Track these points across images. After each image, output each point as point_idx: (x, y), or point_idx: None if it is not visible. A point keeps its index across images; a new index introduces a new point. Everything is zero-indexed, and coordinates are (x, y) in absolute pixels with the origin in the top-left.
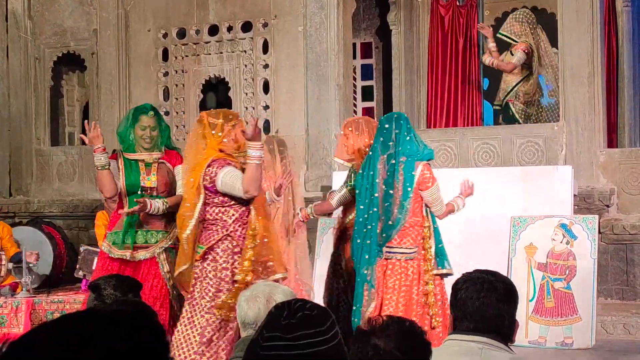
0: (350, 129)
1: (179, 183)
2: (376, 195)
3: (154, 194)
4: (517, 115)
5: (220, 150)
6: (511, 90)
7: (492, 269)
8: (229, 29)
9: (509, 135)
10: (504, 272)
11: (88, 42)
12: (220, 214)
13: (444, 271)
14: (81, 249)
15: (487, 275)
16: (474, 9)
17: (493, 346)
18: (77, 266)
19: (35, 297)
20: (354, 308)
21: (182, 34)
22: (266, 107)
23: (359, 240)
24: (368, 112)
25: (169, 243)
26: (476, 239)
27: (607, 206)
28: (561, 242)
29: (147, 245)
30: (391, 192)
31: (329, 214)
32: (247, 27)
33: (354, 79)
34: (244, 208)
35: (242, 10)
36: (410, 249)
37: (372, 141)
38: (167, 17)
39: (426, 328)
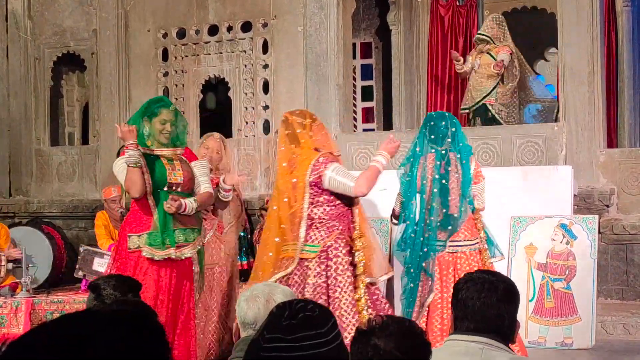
0: None
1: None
2: (434, 190)
3: (179, 190)
4: (497, 116)
5: (315, 149)
6: (491, 91)
7: (490, 269)
8: (229, 29)
9: (508, 135)
10: (503, 272)
11: (88, 42)
12: (327, 213)
13: (498, 259)
14: (81, 249)
15: (488, 276)
16: (473, 9)
17: (493, 346)
18: (77, 266)
19: (34, 297)
20: (407, 300)
21: (181, 34)
22: (266, 107)
23: (413, 235)
24: (368, 112)
25: (202, 241)
26: None
27: (607, 206)
28: (561, 242)
29: (187, 243)
30: (450, 186)
31: None
32: (246, 27)
33: (354, 78)
34: (347, 207)
35: (241, 10)
36: (473, 240)
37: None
38: (167, 17)
39: None
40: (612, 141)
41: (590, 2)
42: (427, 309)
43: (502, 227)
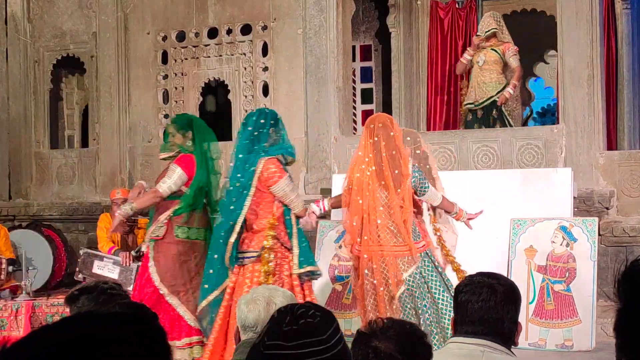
0: None
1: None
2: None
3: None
4: (508, 117)
5: None
6: (503, 89)
7: (492, 271)
8: (229, 31)
9: (508, 138)
10: (503, 275)
11: (87, 45)
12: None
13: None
14: (81, 251)
15: (488, 279)
16: (473, 11)
17: (494, 349)
18: (77, 269)
19: (35, 300)
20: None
21: (181, 36)
22: None
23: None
24: (368, 114)
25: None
26: (476, 241)
27: (607, 208)
28: (561, 245)
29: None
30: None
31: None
32: (246, 29)
33: (354, 81)
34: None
35: (241, 13)
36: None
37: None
38: (167, 20)
39: None
40: (611, 143)
41: (589, 5)
42: None
43: (501, 230)
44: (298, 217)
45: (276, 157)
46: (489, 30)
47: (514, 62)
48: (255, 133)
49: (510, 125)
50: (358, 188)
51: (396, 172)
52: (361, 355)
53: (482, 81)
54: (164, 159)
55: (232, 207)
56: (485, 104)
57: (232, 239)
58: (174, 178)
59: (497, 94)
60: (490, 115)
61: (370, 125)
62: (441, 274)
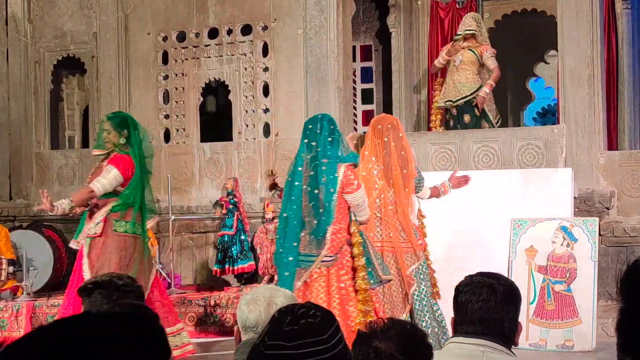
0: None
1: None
2: (292, 198)
3: None
4: (490, 115)
5: None
6: (479, 88)
7: (493, 271)
8: (229, 32)
9: (509, 138)
10: (503, 275)
11: (88, 46)
12: None
13: (375, 286)
14: None
15: (488, 279)
16: (473, 11)
17: (494, 349)
18: None
19: (35, 300)
20: None
21: (181, 37)
22: (266, 110)
23: (281, 250)
24: (368, 114)
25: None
26: (476, 242)
27: (607, 208)
28: (561, 245)
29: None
30: (320, 195)
31: None
32: (246, 30)
33: (354, 81)
34: None
35: (241, 13)
36: (331, 256)
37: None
38: (167, 20)
39: None
40: (612, 143)
41: (590, 5)
42: None
43: (502, 230)
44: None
45: (352, 164)
46: (468, 30)
47: (491, 63)
48: (330, 139)
49: (493, 126)
50: (364, 186)
51: (404, 171)
52: (362, 355)
53: (458, 80)
54: (98, 155)
55: (322, 219)
56: (459, 103)
57: (324, 251)
58: (109, 179)
59: (471, 94)
60: (464, 114)
61: (378, 125)
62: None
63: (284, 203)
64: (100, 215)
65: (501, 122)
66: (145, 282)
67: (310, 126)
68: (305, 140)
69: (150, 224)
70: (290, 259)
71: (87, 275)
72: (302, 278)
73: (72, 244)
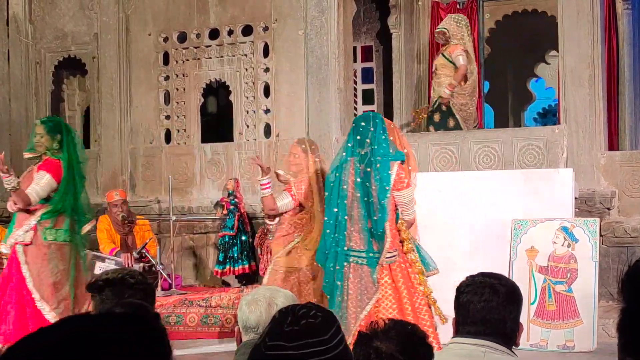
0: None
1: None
2: (357, 195)
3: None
4: (457, 115)
5: None
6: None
7: (493, 272)
8: (230, 32)
9: (509, 138)
10: (504, 275)
11: (89, 46)
12: None
13: (432, 273)
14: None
15: (490, 279)
16: (474, 12)
17: (495, 350)
18: None
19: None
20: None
21: (182, 37)
22: (267, 111)
23: (335, 245)
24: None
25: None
26: (477, 242)
27: (608, 209)
28: (562, 245)
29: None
30: (372, 191)
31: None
32: (247, 30)
33: (355, 82)
34: None
35: (242, 14)
36: (392, 252)
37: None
38: (168, 21)
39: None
40: (613, 144)
41: (590, 5)
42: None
43: (503, 230)
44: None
45: (401, 162)
46: (437, 29)
47: (457, 61)
48: (383, 137)
49: (459, 125)
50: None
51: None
52: (362, 356)
53: (437, 84)
54: (29, 158)
55: (379, 216)
56: (435, 106)
57: (387, 244)
58: (42, 184)
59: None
60: (434, 114)
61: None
62: None
63: (333, 198)
64: (30, 222)
65: (499, 123)
66: (84, 290)
67: (363, 123)
68: (358, 137)
69: (86, 228)
70: (339, 252)
71: (29, 282)
72: (369, 273)
73: (2, 248)
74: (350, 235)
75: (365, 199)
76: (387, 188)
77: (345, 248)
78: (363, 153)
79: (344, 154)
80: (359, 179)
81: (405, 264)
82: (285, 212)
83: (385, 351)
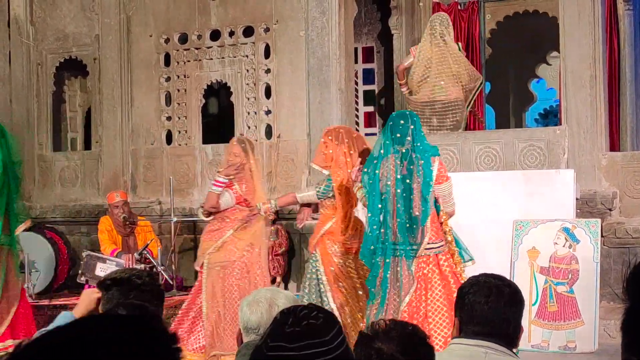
0: (330, 137)
1: None
2: (398, 191)
3: None
4: None
5: None
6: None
7: (495, 273)
8: (231, 33)
9: (511, 139)
10: (506, 276)
11: (90, 48)
12: None
13: (469, 263)
14: (83, 254)
15: (495, 280)
16: (475, 12)
17: (497, 351)
18: (80, 271)
19: (37, 302)
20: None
21: (183, 39)
22: (268, 112)
23: (382, 240)
24: (370, 116)
25: None
26: (478, 243)
27: (610, 210)
28: (564, 246)
29: None
30: (413, 186)
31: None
32: (248, 31)
33: (356, 83)
34: None
35: (243, 15)
36: (437, 243)
37: (351, 151)
38: (169, 22)
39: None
40: (614, 144)
41: (591, 6)
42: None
43: (504, 231)
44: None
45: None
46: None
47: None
48: (423, 133)
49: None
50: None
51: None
52: (364, 356)
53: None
54: None
55: (423, 209)
56: None
57: (427, 239)
58: None
59: None
60: None
61: (352, 135)
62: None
63: (376, 195)
64: None
65: (501, 124)
66: (17, 293)
67: (402, 122)
68: (398, 135)
69: (20, 229)
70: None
71: None
72: (406, 266)
73: None
74: (394, 229)
75: (405, 194)
76: (431, 183)
77: (392, 241)
78: (404, 150)
79: (382, 151)
80: (399, 176)
81: (450, 253)
82: (225, 209)
83: (386, 352)
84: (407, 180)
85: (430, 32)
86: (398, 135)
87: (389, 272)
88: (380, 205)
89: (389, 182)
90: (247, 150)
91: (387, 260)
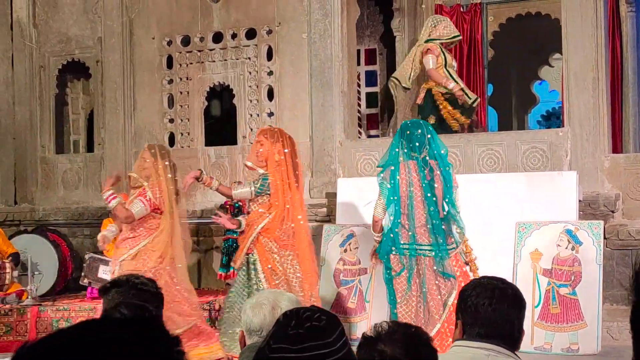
0: (265, 136)
1: None
2: (427, 195)
3: None
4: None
5: None
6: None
7: (497, 275)
8: (233, 36)
9: (513, 141)
10: (509, 278)
11: (93, 50)
12: None
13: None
14: (86, 256)
15: (497, 282)
16: (477, 15)
17: (500, 353)
18: (83, 274)
19: (40, 304)
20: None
21: (186, 41)
22: (270, 114)
23: (407, 241)
24: (372, 118)
25: None
26: (481, 245)
27: (612, 212)
28: (566, 248)
29: None
30: (437, 192)
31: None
32: (251, 34)
33: (358, 85)
34: None
35: (246, 17)
36: (451, 244)
37: (285, 150)
38: (171, 25)
39: None
40: (617, 146)
41: (594, 8)
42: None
43: (507, 233)
44: None
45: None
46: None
47: (424, 64)
48: (438, 140)
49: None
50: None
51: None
52: (367, 359)
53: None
54: None
55: (446, 211)
56: None
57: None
58: None
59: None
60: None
61: (286, 135)
62: None
63: (397, 199)
64: None
65: (503, 126)
66: None
67: (419, 131)
68: (417, 144)
69: None
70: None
71: None
72: (433, 265)
73: None
74: (415, 231)
75: (434, 199)
76: (449, 186)
77: (418, 243)
78: (422, 158)
79: (401, 158)
80: (426, 181)
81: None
82: (141, 217)
83: (389, 354)
84: (436, 185)
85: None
86: (417, 144)
87: (413, 271)
88: (401, 209)
89: (411, 188)
90: (155, 155)
91: (412, 260)
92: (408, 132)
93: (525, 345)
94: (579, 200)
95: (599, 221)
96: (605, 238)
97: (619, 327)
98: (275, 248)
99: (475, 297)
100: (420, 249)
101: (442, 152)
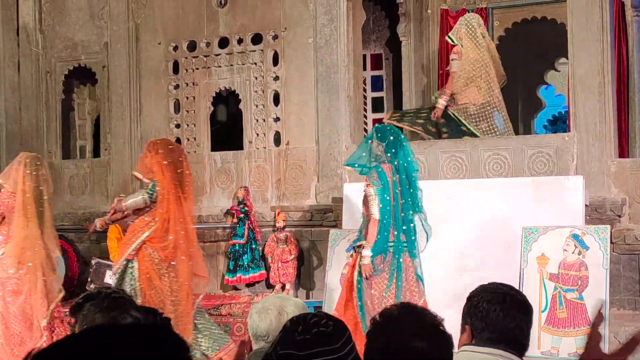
0: (148, 149)
1: None
2: (408, 199)
3: None
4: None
5: None
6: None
7: (504, 279)
8: (239, 41)
9: (519, 146)
10: (515, 283)
11: (99, 56)
12: None
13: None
14: (93, 261)
15: (506, 288)
16: (483, 19)
17: (506, 358)
18: (89, 279)
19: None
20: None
21: (192, 46)
22: (277, 119)
23: (404, 240)
24: (378, 123)
25: None
26: (488, 250)
27: (619, 216)
28: (573, 253)
29: None
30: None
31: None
32: (257, 39)
33: (364, 90)
34: None
35: (252, 22)
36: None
37: (165, 162)
38: (178, 30)
39: None
40: (623, 151)
41: (600, 13)
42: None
43: (513, 238)
44: None
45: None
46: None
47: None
48: (408, 147)
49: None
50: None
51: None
52: (376, 342)
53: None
54: None
55: (415, 212)
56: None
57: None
58: None
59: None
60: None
61: (169, 146)
62: None
63: (388, 201)
64: None
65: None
66: None
67: (391, 138)
68: (393, 150)
69: None
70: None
71: None
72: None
73: None
74: (400, 229)
75: (402, 201)
76: (420, 189)
77: (403, 241)
78: (396, 164)
79: (396, 162)
80: (401, 187)
81: None
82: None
83: (400, 338)
84: (411, 190)
85: (470, 33)
86: (393, 150)
87: (402, 267)
88: (390, 209)
89: (396, 190)
90: (21, 163)
91: (399, 257)
92: (379, 134)
93: (532, 350)
94: (586, 205)
95: (605, 226)
96: (611, 242)
97: (625, 331)
98: (156, 259)
99: (486, 303)
100: (402, 246)
101: (409, 159)
